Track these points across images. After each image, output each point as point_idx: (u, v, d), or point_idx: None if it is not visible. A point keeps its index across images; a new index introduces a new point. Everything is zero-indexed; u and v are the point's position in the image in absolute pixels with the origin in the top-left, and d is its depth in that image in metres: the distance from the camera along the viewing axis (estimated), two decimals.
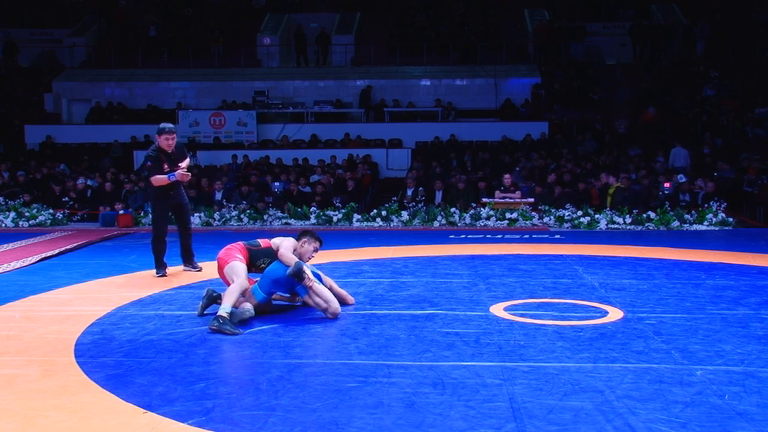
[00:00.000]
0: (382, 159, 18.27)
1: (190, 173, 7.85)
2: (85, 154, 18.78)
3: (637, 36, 21.99)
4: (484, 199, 13.38)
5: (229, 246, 6.09)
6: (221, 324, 5.22)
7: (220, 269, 5.98)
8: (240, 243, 6.14)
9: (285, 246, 5.90)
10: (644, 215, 12.21)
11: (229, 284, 5.75)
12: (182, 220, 7.93)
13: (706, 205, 12.47)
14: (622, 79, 20.92)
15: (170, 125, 7.72)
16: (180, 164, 7.70)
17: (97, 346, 4.94)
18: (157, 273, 7.73)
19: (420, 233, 11.83)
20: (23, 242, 10.54)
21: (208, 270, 7.79)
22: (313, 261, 6.17)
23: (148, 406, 3.75)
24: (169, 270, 8.05)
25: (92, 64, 23.24)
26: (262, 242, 6.17)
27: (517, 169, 15.69)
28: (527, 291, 6.66)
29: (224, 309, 5.35)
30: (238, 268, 5.79)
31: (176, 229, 8.03)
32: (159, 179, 7.55)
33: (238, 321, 5.40)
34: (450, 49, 22.70)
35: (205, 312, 5.74)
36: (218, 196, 14.52)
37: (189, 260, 7.99)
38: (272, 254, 5.97)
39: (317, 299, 5.66)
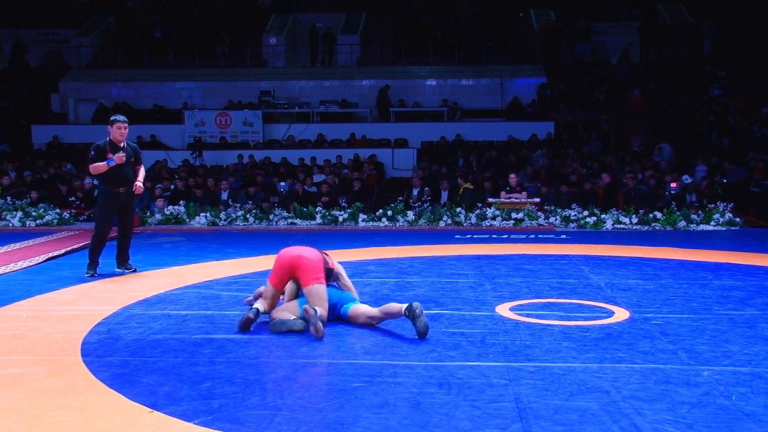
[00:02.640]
0: (387, 159, 18.27)
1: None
2: None
3: (645, 36, 21.92)
4: (490, 199, 13.37)
5: (312, 254, 5.44)
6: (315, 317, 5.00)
7: (302, 273, 5.30)
8: (321, 257, 5.49)
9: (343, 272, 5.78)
10: (650, 215, 12.17)
11: (281, 292, 5.50)
12: (126, 222, 7.84)
13: (712, 206, 12.42)
14: (628, 75, 20.87)
15: (123, 116, 7.77)
16: (138, 178, 7.71)
17: (104, 345, 4.95)
18: (87, 272, 7.63)
19: (425, 233, 11.82)
20: (30, 242, 10.58)
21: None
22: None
23: (155, 406, 3.75)
24: (169, 271, 8.07)
25: (99, 64, 23.30)
26: (330, 262, 5.62)
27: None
28: (533, 291, 6.65)
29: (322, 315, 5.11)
30: (323, 295, 5.28)
31: (116, 230, 7.93)
32: (97, 167, 7.48)
33: (286, 329, 5.16)
34: (456, 49, 22.68)
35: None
36: (224, 195, 14.54)
37: (123, 262, 7.89)
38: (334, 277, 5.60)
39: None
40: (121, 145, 7.66)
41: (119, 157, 7.48)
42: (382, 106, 20.57)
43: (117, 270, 7.85)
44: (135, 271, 7.87)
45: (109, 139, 7.66)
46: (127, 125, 7.68)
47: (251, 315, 5.25)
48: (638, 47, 22.16)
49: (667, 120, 18.83)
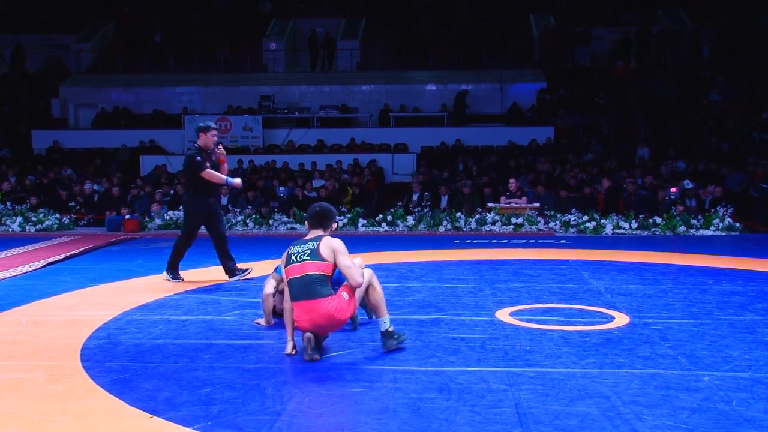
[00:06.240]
0: (387, 164, 18.28)
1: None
2: (91, 159, 18.86)
3: (643, 40, 21.96)
4: (490, 204, 13.36)
5: (315, 303, 4.63)
6: (399, 338, 4.78)
7: (341, 323, 4.77)
8: (320, 300, 4.64)
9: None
10: (650, 220, 12.17)
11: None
12: (219, 227, 7.71)
13: (712, 210, 12.42)
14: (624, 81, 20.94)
15: (214, 123, 7.82)
16: (225, 171, 7.74)
17: (103, 350, 4.94)
18: (171, 277, 7.64)
19: (425, 238, 11.82)
20: (30, 247, 10.57)
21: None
22: None
23: (154, 411, 3.75)
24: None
25: (99, 69, 23.32)
26: (321, 269, 4.76)
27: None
28: (533, 296, 6.65)
29: (386, 321, 4.80)
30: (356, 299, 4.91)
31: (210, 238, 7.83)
32: (215, 176, 7.38)
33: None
34: (456, 53, 22.71)
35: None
36: (224, 200, 14.53)
37: (233, 267, 7.70)
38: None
39: None
40: (210, 150, 7.62)
41: (238, 184, 7.53)
42: (460, 111, 20.23)
43: (232, 280, 7.62)
44: (248, 271, 7.73)
45: (198, 145, 7.58)
46: (217, 133, 7.74)
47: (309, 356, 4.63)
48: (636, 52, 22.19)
49: (666, 120, 18.87)
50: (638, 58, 21.99)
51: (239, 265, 7.77)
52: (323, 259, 4.66)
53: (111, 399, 3.95)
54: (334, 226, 5.04)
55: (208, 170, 7.41)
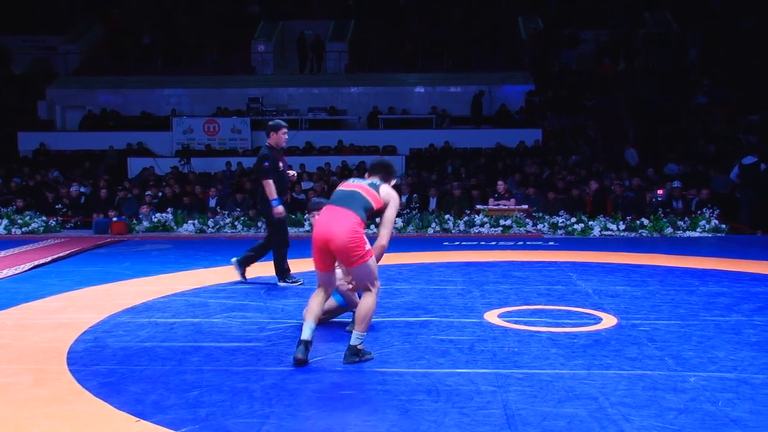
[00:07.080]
0: None
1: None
2: (79, 161, 18.76)
3: (630, 43, 22.11)
4: (478, 206, 13.39)
5: (343, 228, 4.48)
6: (363, 357, 4.60)
7: (345, 254, 4.51)
8: (354, 222, 4.52)
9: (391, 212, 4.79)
10: (638, 222, 12.24)
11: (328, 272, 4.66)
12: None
13: (699, 212, 12.50)
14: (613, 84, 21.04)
15: (283, 121, 7.62)
16: (289, 172, 7.60)
17: (90, 354, 4.92)
18: (288, 281, 7.47)
19: (414, 240, 11.82)
20: (16, 249, 10.50)
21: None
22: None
23: (141, 415, 3.73)
24: (156, 278, 8.03)
25: (86, 71, 23.19)
26: (375, 202, 4.72)
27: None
28: (521, 298, 6.67)
29: (360, 338, 4.59)
30: (376, 273, 4.67)
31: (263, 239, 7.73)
32: (269, 188, 7.22)
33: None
34: (444, 56, 22.74)
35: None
36: (212, 203, 14.48)
37: (288, 273, 7.60)
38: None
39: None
40: (280, 149, 7.49)
41: (279, 212, 7.27)
42: (477, 112, 20.08)
43: (281, 284, 7.50)
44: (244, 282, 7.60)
45: (269, 145, 7.42)
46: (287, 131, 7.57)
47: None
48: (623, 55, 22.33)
49: (653, 123, 18.99)
50: (626, 60, 22.11)
51: (247, 275, 7.70)
52: (378, 193, 4.74)
53: (98, 403, 3.93)
54: (393, 182, 5.05)
55: (268, 182, 7.24)
